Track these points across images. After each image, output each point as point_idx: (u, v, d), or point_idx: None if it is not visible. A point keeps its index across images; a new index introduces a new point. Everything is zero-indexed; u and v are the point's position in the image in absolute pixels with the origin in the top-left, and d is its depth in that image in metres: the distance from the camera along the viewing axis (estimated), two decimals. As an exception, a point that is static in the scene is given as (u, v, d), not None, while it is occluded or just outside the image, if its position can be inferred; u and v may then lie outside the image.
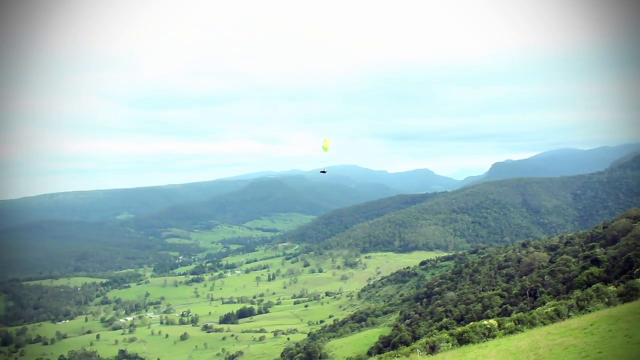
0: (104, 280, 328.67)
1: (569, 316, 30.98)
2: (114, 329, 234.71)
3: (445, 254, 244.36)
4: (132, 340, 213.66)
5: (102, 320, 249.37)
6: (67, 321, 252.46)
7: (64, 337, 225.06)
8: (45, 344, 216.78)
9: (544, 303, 61.36)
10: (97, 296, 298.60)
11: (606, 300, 32.98)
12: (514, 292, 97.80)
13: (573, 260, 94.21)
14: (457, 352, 22.85)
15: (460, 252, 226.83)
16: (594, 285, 46.23)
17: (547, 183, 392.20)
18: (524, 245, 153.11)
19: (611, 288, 38.65)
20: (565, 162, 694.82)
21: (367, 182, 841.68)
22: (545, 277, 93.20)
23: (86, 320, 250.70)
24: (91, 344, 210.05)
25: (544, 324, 29.56)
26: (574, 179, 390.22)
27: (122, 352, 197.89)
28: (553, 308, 36.35)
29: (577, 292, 53.21)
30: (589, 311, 29.17)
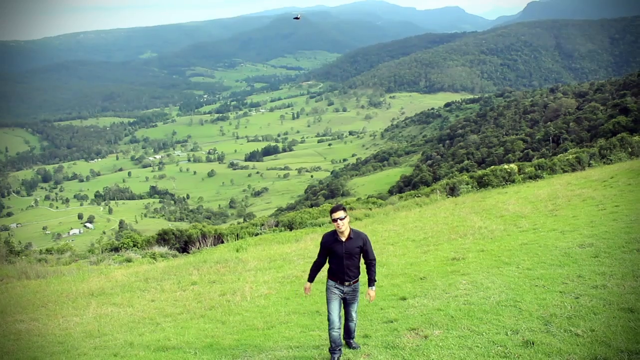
0: (132, 120, 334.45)
1: (589, 165, 31.08)
2: (144, 166, 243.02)
3: (471, 97, 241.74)
4: (161, 177, 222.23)
5: (132, 158, 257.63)
6: (99, 159, 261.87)
7: (98, 174, 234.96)
8: (81, 180, 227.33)
9: (566, 150, 61.30)
10: (126, 135, 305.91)
11: (629, 150, 32.83)
12: (537, 137, 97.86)
13: (601, 108, 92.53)
14: (476, 196, 23.49)
15: (486, 95, 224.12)
16: (618, 135, 45.76)
17: (584, 25, 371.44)
18: (552, 91, 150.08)
19: (636, 138, 38.21)
20: (606, 2, 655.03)
21: (395, 19, 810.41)
22: (571, 124, 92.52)
23: (117, 158, 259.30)
24: (123, 181, 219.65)
25: (564, 171, 29.82)
26: (614, 22, 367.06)
27: (152, 188, 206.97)
28: (574, 155, 36.34)
29: (601, 141, 52.84)
30: (611, 161, 29.24)
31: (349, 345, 7.39)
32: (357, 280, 7.20)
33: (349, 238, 7.05)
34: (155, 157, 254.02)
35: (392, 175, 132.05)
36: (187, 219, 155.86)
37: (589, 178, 19.80)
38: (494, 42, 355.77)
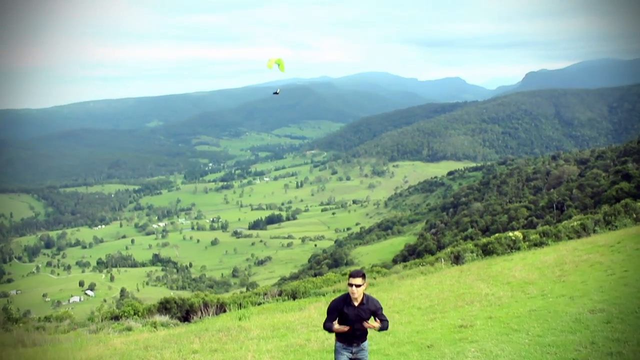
0: (136, 187, 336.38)
1: (594, 231, 30.89)
2: (147, 234, 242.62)
3: (474, 165, 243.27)
4: (164, 245, 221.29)
5: (136, 225, 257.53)
6: (103, 226, 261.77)
7: (101, 241, 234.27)
8: (84, 247, 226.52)
9: (570, 217, 61.05)
10: (130, 202, 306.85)
11: (634, 216, 32.71)
12: (540, 204, 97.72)
13: (603, 174, 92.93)
14: (482, 264, 23.21)
15: (489, 163, 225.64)
16: (622, 201, 45.70)
17: (582, 94, 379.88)
18: (553, 158, 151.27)
19: (640, 204, 38.13)
20: (603, 72, 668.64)
21: (397, 89, 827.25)
22: (574, 190, 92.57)
23: (121, 225, 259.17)
24: (126, 248, 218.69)
25: (570, 238, 29.59)
26: (612, 91, 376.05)
27: (155, 256, 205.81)
28: (579, 222, 36.20)
29: (605, 207, 52.68)
30: (616, 227, 29.05)
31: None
32: (365, 339, 7.12)
33: (361, 303, 7.00)
34: (159, 225, 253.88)
35: (396, 244, 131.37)
36: (189, 287, 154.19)
37: (595, 244, 19.62)
38: (495, 111, 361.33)
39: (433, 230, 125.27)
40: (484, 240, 37.57)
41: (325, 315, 7.23)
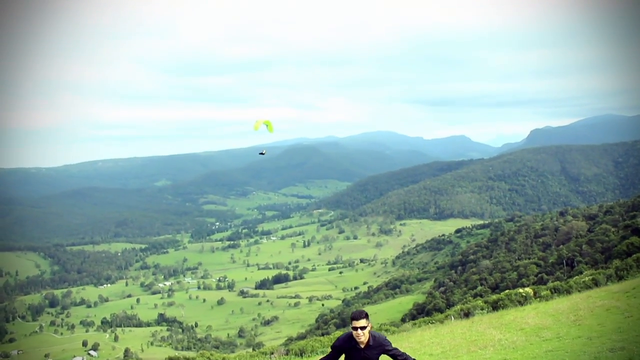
0: (143, 246, 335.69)
1: (607, 285, 30.30)
2: (153, 293, 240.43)
3: (481, 222, 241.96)
4: (170, 304, 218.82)
5: (142, 284, 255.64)
6: (109, 285, 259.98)
7: (106, 300, 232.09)
8: (89, 306, 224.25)
9: (581, 272, 60.12)
10: (137, 261, 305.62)
11: (646, 270, 32.10)
12: (550, 261, 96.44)
13: (612, 229, 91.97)
14: (493, 315, 22.66)
15: (496, 220, 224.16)
16: (634, 255, 45.04)
17: (587, 150, 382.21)
18: (561, 214, 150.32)
19: (652, 258, 37.47)
20: (607, 128, 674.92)
21: (403, 148, 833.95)
22: (583, 246, 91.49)
23: (126, 284, 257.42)
24: (132, 308, 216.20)
25: (581, 293, 28.97)
26: (616, 146, 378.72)
27: (161, 315, 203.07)
28: (591, 277, 35.52)
29: (616, 262, 51.84)
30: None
31: None
32: None
33: (367, 345, 6.58)
34: (165, 284, 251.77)
35: (404, 302, 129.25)
36: (194, 348, 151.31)
37: (609, 291, 19.17)
38: (501, 168, 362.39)
39: (442, 289, 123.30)
40: (494, 297, 36.80)
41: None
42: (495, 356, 11.55)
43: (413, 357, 6.71)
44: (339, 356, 6.63)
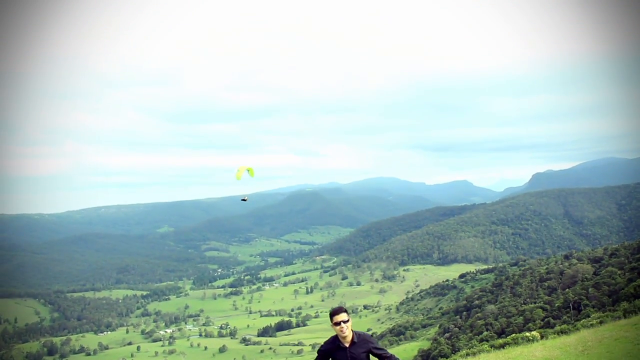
0: (145, 293, 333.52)
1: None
2: (154, 340, 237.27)
3: (485, 267, 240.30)
4: (171, 352, 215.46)
5: (143, 332, 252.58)
6: (109, 332, 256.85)
7: (106, 348, 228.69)
8: (88, 354, 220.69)
9: (588, 316, 59.51)
10: (138, 308, 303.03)
11: (655, 311, 31.81)
12: (556, 305, 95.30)
13: (619, 272, 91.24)
14: (500, 353, 22.30)
15: (501, 265, 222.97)
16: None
17: (589, 193, 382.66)
18: (566, 257, 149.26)
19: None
20: (608, 171, 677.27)
21: (405, 194, 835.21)
22: (590, 289, 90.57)
23: (127, 331, 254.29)
24: (132, 355, 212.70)
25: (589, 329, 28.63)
26: (619, 189, 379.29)
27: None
28: (598, 320, 35.16)
29: (624, 304, 51.44)
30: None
31: None
32: None
33: (352, 343, 6.44)
34: (166, 331, 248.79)
35: (409, 349, 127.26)
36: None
37: (618, 325, 18.90)
38: (504, 213, 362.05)
39: (447, 335, 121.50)
40: (501, 341, 36.36)
41: None
42: (503, 382, 11.35)
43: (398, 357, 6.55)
44: None
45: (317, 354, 6.69)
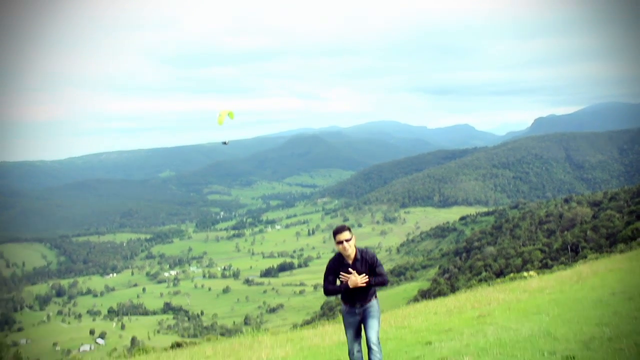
0: (148, 236, 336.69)
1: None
2: (159, 282, 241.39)
3: (485, 209, 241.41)
4: (176, 293, 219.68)
5: (147, 274, 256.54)
6: (115, 275, 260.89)
7: (112, 289, 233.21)
8: (95, 296, 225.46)
9: (585, 257, 60.20)
10: (142, 251, 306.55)
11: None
12: (555, 247, 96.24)
13: (617, 215, 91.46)
14: (497, 286, 22.87)
15: (501, 208, 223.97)
16: (638, 239, 45.17)
17: (591, 137, 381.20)
18: (566, 201, 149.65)
19: (656, 240, 37.64)
20: (611, 116, 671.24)
21: (407, 137, 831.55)
22: (588, 232, 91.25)
23: (132, 274, 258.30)
24: (138, 297, 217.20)
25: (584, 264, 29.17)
26: (621, 134, 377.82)
27: (167, 304, 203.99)
28: (595, 259, 35.72)
29: (621, 246, 51.99)
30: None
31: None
32: (371, 300, 6.71)
33: (355, 260, 6.58)
34: (170, 273, 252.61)
35: (409, 289, 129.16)
36: (200, 335, 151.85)
37: (612, 259, 19.35)
38: (505, 156, 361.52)
39: (446, 275, 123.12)
40: (499, 280, 37.01)
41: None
42: (500, 307, 11.75)
43: (384, 280, 6.75)
44: (335, 279, 6.68)
45: (324, 279, 6.87)
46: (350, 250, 6.47)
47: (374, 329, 6.61)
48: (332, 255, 6.79)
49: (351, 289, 6.56)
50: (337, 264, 6.59)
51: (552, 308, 9.60)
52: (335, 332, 12.31)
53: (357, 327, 6.67)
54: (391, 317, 13.12)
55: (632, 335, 6.27)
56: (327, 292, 6.92)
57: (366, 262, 6.58)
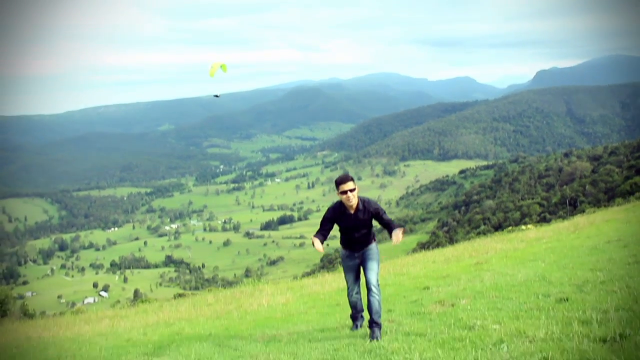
0: (148, 190, 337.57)
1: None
2: (160, 236, 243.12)
3: (485, 163, 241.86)
4: (177, 246, 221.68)
5: (148, 227, 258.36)
6: (116, 229, 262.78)
7: (114, 243, 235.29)
8: (97, 249, 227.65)
9: (583, 211, 60.59)
10: (143, 205, 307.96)
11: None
12: (553, 201, 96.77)
13: (617, 170, 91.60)
14: (495, 236, 23.16)
15: (501, 161, 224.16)
16: (636, 194, 45.37)
17: (593, 91, 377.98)
18: (566, 155, 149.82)
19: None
20: (614, 69, 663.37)
21: (407, 89, 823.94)
22: (587, 186, 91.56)
23: (133, 228, 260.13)
24: (139, 250, 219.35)
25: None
26: (623, 87, 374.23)
27: (168, 257, 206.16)
28: (593, 213, 36.04)
29: (619, 200, 52.27)
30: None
31: (372, 334, 6.62)
32: (371, 243, 6.71)
33: (357, 210, 6.52)
34: (171, 227, 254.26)
35: (408, 242, 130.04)
36: (202, 288, 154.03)
37: (609, 210, 19.56)
38: (506, 110, 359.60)
39: (445, 228, 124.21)
40: (497, 234, 37.40)
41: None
42: (497, 256, 11.95)
43: (400, 224, 6.66)
44: (331, 227, 6.64)
45: (320, 224, 6.80)
46: (354, 201, 6.42)
47: (373, 270, 6.60)
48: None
49: (352, 234, 6.58)
50: (338, 213, 6.54)
51: (548, 255, 9.79)
52: (334, 280, 12.55)
53: (356, 270, 6.71)
54: (390, 265, 13.36)
55: (625, 279, 6.43)
56: (316, 241, 6.67)
57: (369, 212, 6.52)
